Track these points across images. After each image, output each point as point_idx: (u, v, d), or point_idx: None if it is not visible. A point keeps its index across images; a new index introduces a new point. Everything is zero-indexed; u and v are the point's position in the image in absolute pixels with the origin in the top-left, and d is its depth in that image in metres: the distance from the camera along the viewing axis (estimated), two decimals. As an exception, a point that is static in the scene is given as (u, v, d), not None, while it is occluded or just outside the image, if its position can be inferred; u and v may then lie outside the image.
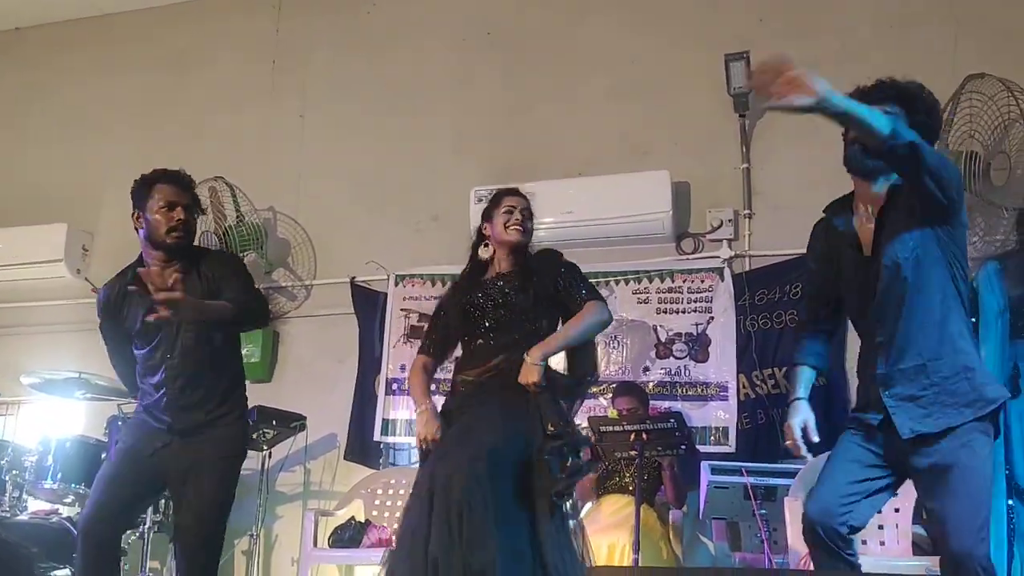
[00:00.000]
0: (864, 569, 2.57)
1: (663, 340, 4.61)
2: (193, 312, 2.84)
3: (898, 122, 2.28)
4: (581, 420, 4.42)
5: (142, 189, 3.08)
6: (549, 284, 2.94)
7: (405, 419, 4.85)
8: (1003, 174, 4.07)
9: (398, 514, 4.49)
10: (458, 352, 3.06)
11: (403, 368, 4.95)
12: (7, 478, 4.26)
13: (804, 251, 3.98)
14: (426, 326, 3.20)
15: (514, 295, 2.93)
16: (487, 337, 2.92)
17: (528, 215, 3.06)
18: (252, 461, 4.80)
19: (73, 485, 4.16)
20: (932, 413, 2.33)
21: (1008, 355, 3.20)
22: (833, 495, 2.41)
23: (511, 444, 2.63)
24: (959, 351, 2.38)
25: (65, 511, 4.40)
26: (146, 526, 4.11)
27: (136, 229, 3.12)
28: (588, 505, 4.06)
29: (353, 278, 5.16)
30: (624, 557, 3.58)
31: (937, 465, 2.30)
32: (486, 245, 3.08)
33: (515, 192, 3.13)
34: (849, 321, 2.68)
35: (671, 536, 3.97)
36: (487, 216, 3.11)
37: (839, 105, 2.21)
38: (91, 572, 2.92)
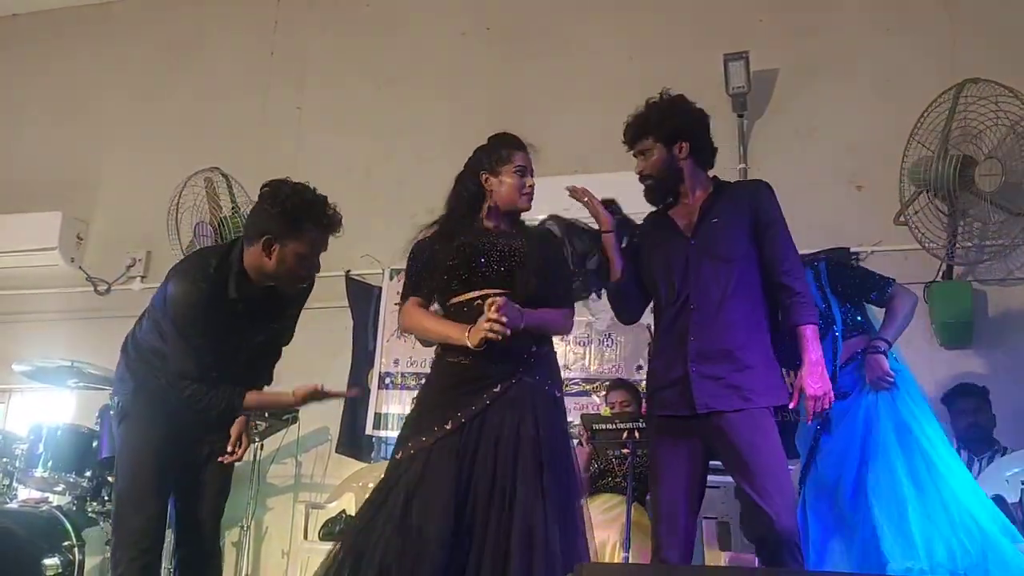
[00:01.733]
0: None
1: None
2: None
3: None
4: (574, 418, 4.44)
5: (288, 220, 2.65)
6: (548, 262, 2.74)
7: (397, 413, 4.85)
8: (994, 179, 4.07)
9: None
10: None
11: (396, 362, 4.95)
12: (-3, 466, 4.26)
13: (801, 252, 3.96)
14: (406, 270, 2.75)
15: (520, 257, 2.64)
16: (481, 294, 2.59)
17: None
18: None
19: (64, 474, 4.15)
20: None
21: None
22: None
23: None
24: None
25: (55, 499, 4.39)
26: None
27: (251, 240, 2.71)
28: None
29: (348, 271, 5.15)
30: (614, 555, 3.58)
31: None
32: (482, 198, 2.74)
33: (524, 146, 2.82)
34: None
35: (661, 534, 3.97)
36: (490, 167, 2.76)
37: None
38: None
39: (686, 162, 2.81)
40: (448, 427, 2.45)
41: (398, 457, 2.50)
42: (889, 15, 4.77)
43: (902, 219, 4.24)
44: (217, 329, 2.69)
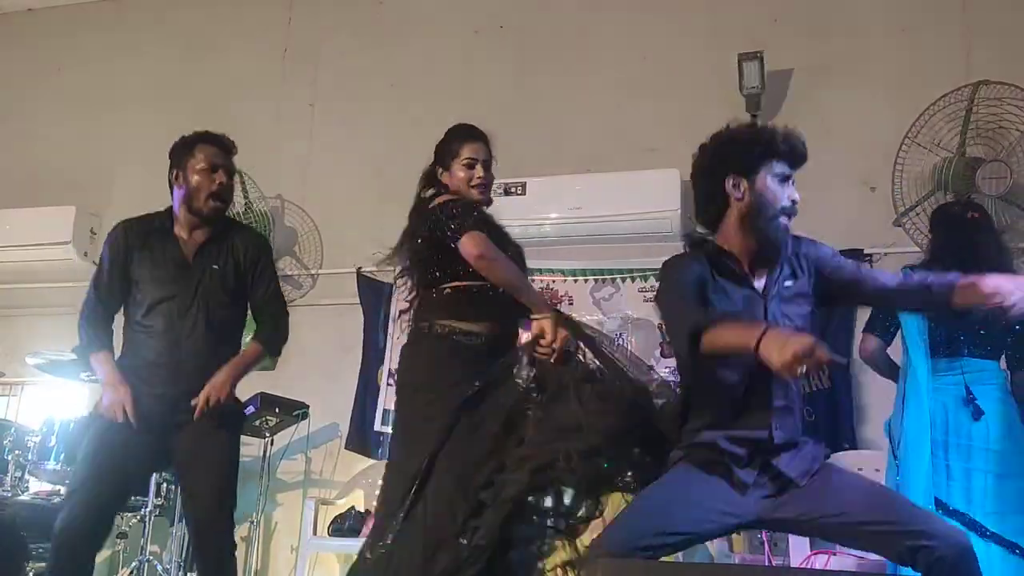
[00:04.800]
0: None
1: (668, 339, 4.61)
2: (234, 382, 2.86)
3: None
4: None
5: (183, 148, 3.01)
6: None
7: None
8: (1000, 182, 4.05)
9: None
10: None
11: (406, 359, 4.96)
12: (9, 458, 4.27)
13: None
14: (464, 208, 2.61)
15: None
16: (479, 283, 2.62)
17: (489, 166, 2.73)
18: (254, 448, 4.82)
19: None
20: None
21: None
22: None
23: None
24: None
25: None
26: (147, 509, 4.11)
27: (171, 187, 3.03)
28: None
29: (359, 268, 5.16)
30: (624, 554, 3.57)
31: None
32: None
33: (478, 136, 2.77)
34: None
35: (671, 535, 3.96)
36: (443, 162, 2.77)
37: None
38: None
39: None
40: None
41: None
42: (904, 15, 4.75)
43: (906, 220, 4.24)
44: (132, 273, 2.98)
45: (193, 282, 2.92)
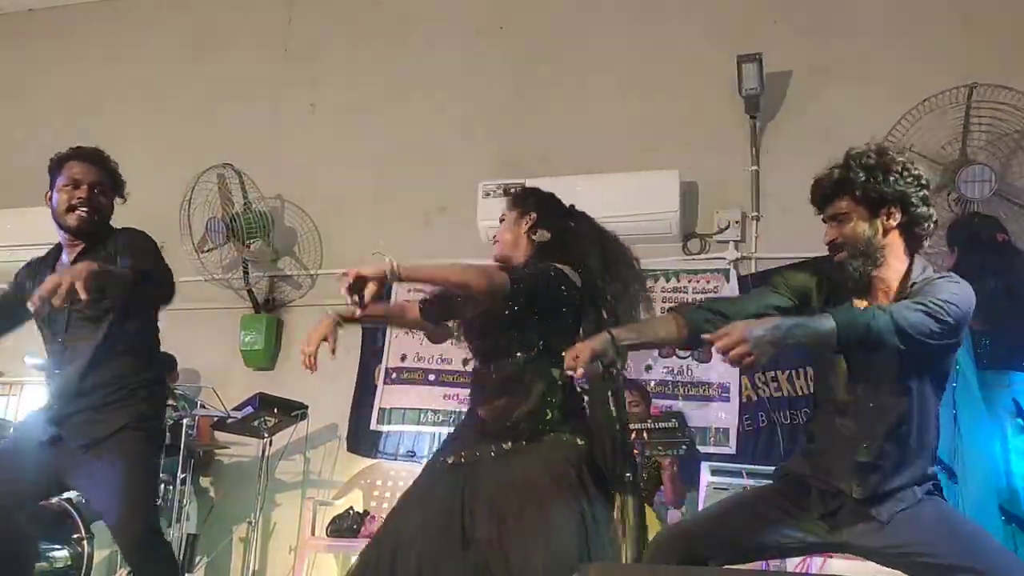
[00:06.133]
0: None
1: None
2: (90, 276, 2.41)
3: (839, 316, 1.99)
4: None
5: (52, 168, 2.90)
6: None
7: (401, 407, 4.87)
8: (983, 185, 4.06)
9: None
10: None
11: (403, 358, 4.96)
12: (9, 458, 4.27)
13: (811, 255, 4.00)
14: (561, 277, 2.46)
15: None
16: None
17: None
18: (252, 448, 4.83)
19: (74, 467, 4.16)
20: None
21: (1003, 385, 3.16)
22: None
23: None
24: None
25: (65, 492, 4.41)
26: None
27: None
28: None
29: (359, 269, 5.15)
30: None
31: None
32: None
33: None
34: None
35: (669, 536, 3.96)
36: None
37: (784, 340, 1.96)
38: None
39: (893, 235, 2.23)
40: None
41: None
42: (903, 17, 4.75)
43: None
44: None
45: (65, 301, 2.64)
